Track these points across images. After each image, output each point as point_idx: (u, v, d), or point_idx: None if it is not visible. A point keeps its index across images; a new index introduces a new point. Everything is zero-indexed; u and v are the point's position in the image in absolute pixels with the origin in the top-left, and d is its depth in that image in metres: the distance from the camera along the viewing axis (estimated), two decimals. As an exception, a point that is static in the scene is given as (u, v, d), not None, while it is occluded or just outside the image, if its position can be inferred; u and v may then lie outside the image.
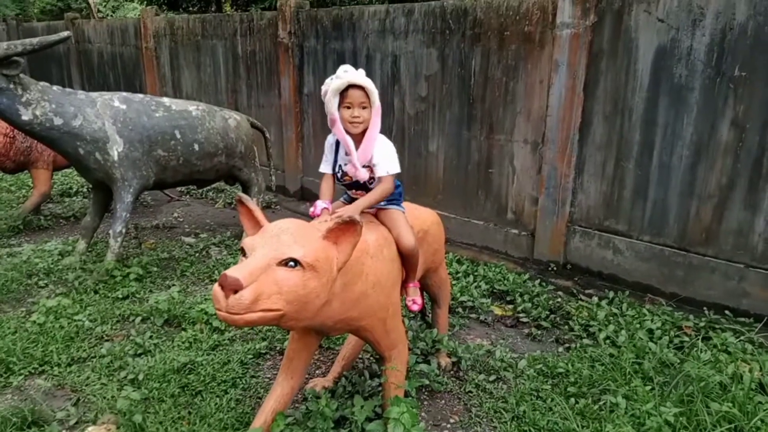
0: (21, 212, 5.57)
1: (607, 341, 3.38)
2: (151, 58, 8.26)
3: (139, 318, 3.66)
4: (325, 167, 2.59)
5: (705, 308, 3.75)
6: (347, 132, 2.40)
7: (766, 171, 3.53)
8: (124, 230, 4.34)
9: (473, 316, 3.89)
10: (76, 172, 6.65)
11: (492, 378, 3.06)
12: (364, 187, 2.53)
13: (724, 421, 2.48)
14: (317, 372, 3.15)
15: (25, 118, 3.82)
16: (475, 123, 4.90)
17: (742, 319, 3.59)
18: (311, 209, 2.42)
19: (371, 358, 3.22)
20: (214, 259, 4.78)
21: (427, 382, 2.93)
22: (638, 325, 3.52)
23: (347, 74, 2.34)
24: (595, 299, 3.97)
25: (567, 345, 3.48)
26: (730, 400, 2.59)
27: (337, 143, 2.52)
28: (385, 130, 4.88)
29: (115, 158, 4.16)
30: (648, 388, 2.77)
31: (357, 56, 5.65)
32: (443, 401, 2.92)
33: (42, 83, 3.99)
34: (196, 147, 4.62)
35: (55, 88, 4.05)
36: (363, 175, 2.44)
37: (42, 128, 3.90)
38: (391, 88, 5.44)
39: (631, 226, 4.17)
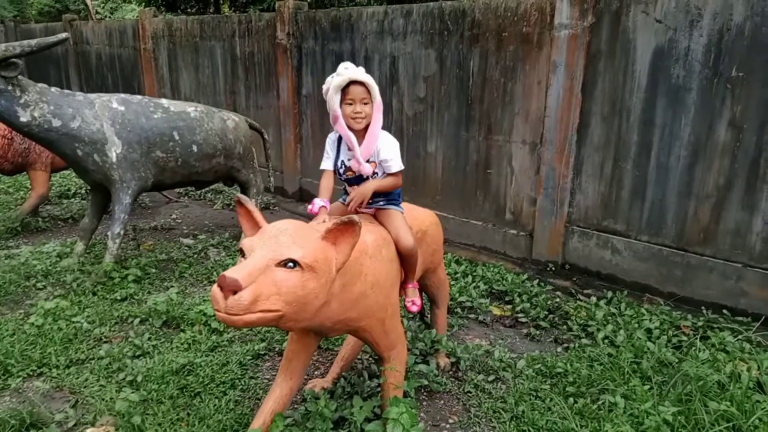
0: (19, 214, 5.56)
1: (606, 341, 3.39)
2: (150, 59, 8.25)
3: (138, 319, 3.65)
4: (326, 164, 2.59)
5: (703, 308, 3.77)
6: (350, 128, 2.43)
7: (763, 171, 3.54)
8: (122, 232, 4.33)
9: (472, 316, 3.89)
10: (74, 174, 6.66)
11: (491, 378, 3.07)
12: None
13: (722, 419, 2.48)
14: (316, 373, 3.15)
15: (23, 119, 3.82)
16: (474, 124, 4.90)
17: (740, 319, 3.61)
18: (309, 207, 2.44)
19: (370, 358, 3.23)
20: (212, 260, 4.77)
21: (426, 382, 2.93)
22: (636, 325, 3.53)
23: (348, 71, 2.36)
24: (594, 299, 3.98)
25: (565, 345, 3.49)
26: (728, 399, 2.60)
27: (339, 140, 2.53)
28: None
29: (114, 160, 4.16)
30: (646, 387, 2.78)
31: (355, 57, 5.65)
32: (442, 401, 2.92)
33: (40, 85, 3.99)
34: (195, 148, 4.61)
35: (53, 89, 4.05)
36: (367, 169, 2.46)
37: (40, 130, 3.90)
38: (390, 89, 5.45)
39: (629, 226, 4.18)
